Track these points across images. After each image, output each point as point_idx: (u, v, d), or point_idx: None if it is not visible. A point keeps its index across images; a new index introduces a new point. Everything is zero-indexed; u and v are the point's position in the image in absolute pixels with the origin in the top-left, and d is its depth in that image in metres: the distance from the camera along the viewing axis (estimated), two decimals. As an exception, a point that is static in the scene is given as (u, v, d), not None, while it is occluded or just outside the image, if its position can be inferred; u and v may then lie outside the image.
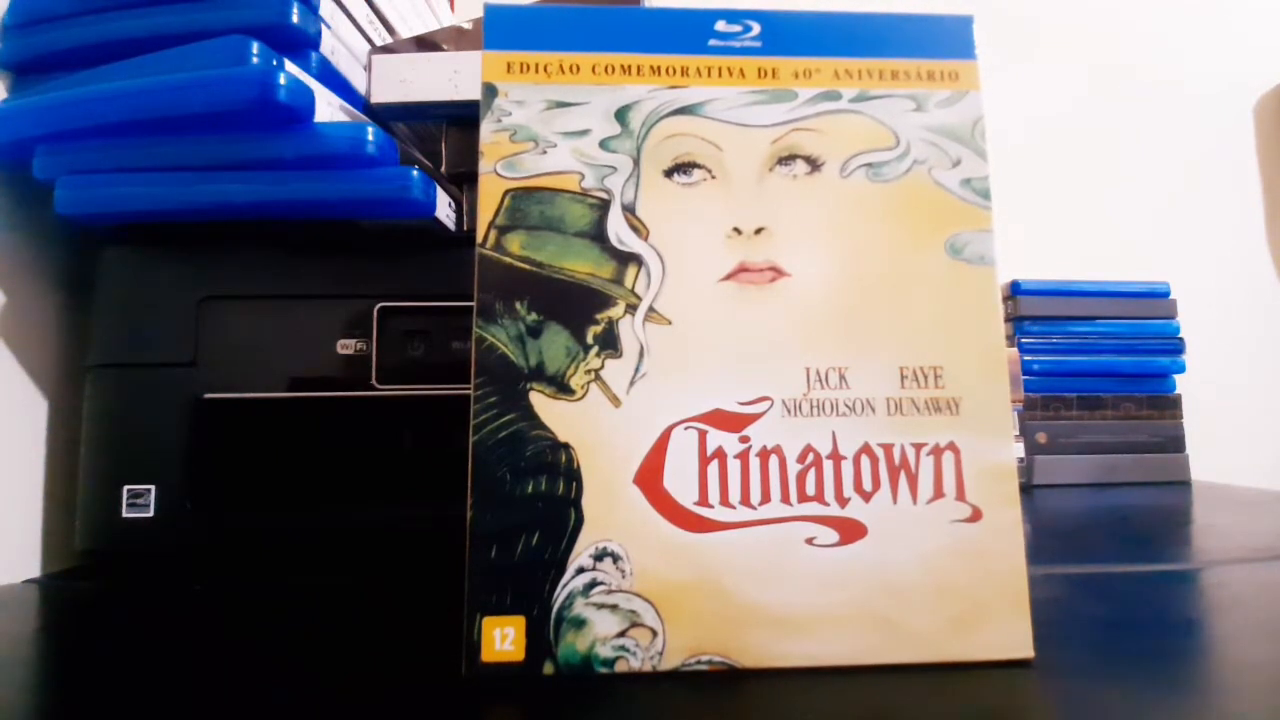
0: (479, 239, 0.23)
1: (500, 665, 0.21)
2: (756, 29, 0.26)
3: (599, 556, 0.22)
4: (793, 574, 0.22)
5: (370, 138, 0.35)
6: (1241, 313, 0.92)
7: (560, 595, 0.21)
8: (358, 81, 0.41)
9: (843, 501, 0.23)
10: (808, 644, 0.22)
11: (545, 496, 0.22)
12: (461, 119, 0.42)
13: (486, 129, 0.24)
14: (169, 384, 0.37)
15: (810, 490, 0.23)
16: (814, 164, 0.25)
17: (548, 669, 0.21)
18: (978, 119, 0.26)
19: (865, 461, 0.23)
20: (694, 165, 0.24)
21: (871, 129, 0.25)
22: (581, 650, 0.21)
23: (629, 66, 0.25)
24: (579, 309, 0.23)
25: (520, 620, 0.21)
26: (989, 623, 0.22)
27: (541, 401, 0.23)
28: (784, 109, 0.25)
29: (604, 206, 0.24)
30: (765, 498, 0.22)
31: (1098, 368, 0.75)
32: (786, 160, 0.25)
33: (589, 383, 0.23)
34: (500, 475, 0.22)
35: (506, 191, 0.24)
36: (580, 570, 0.22)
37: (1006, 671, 0.21)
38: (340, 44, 0.40)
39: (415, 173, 0.35)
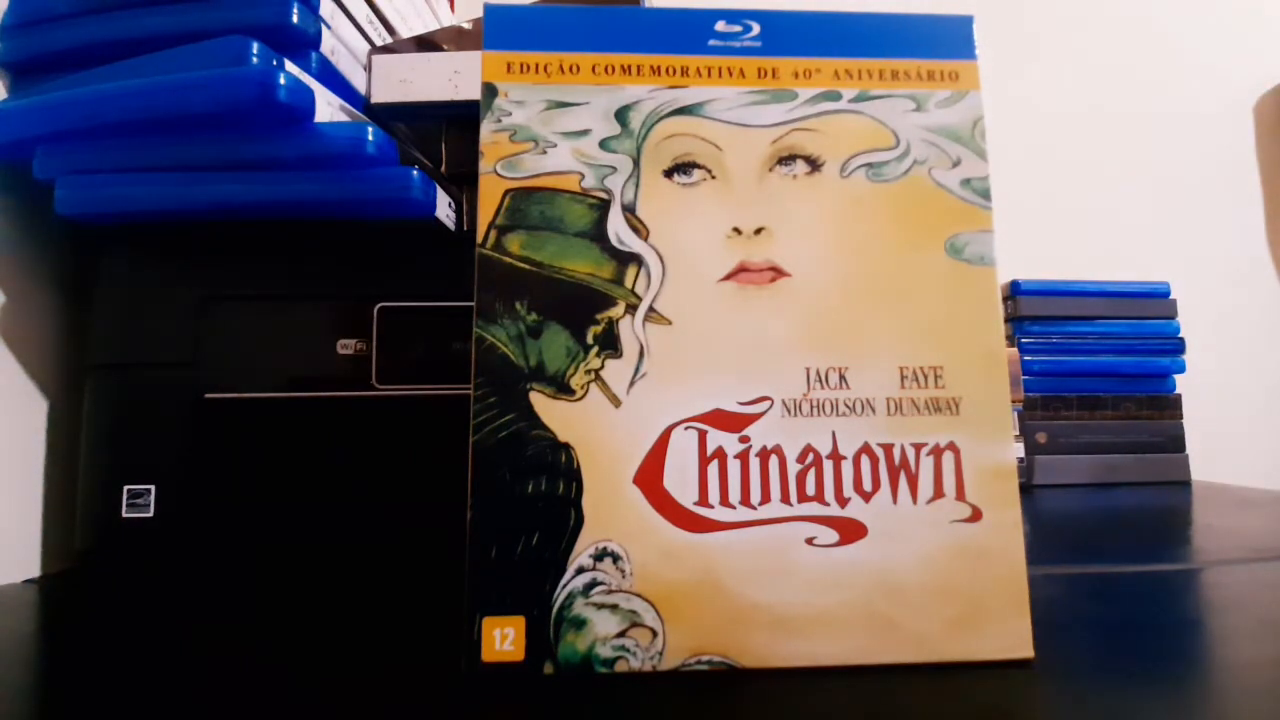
0: (479, 239, 0.23)
1: (500, 665, 0.21)
2: (756, 29, 0.26)
3: (599, 556, 0.22)
4: (793, 574, 0.22)
5: (370, 138, 0.35)
6: (1241, 313, 0.92)
7: (560, 595, 0.21)
8: (358, 81, 0.41)
9: (843, 501, 0.23)
10: (808, 644, 0.22)
11: (545, 496, 0.22)
12: (461, 119, 0.42)
13: (486, 129, 0.24)
14: (169, 384, 0.37)
15: (810, 490, 0.23)
16: (814, 164, 0.25)
17: (548, 669, 0.21)
18: (978, 119, 0.26)
19: (865, 461, 0.23)
20: (694, 165, 0.24)
21: (871, 129, 0.25)
22: (581, 650, 0.21)
23: (629, 66, 0.25)
24: (579, 309, 0.23)
25: (520, 620, 0.21)
26: (989, 623, 0.22)
27: (541, 401, 0.23)
28: (784, 109, 0.25)
29: (604, 206, 0.24)
30: (765, 498, 0.22)
31: (1098, 368, 0.75)
32: (786, 160, 0.25)
33: (589, 383, 0.23)
34: (500, 475, 0.22)
35: (506, 191, 0.24)
36: (580, 570, 0.22)
37: (1006, 671, 0.21)
38: (340, 44, 0.40)
39: (415, 173, 0.35)
